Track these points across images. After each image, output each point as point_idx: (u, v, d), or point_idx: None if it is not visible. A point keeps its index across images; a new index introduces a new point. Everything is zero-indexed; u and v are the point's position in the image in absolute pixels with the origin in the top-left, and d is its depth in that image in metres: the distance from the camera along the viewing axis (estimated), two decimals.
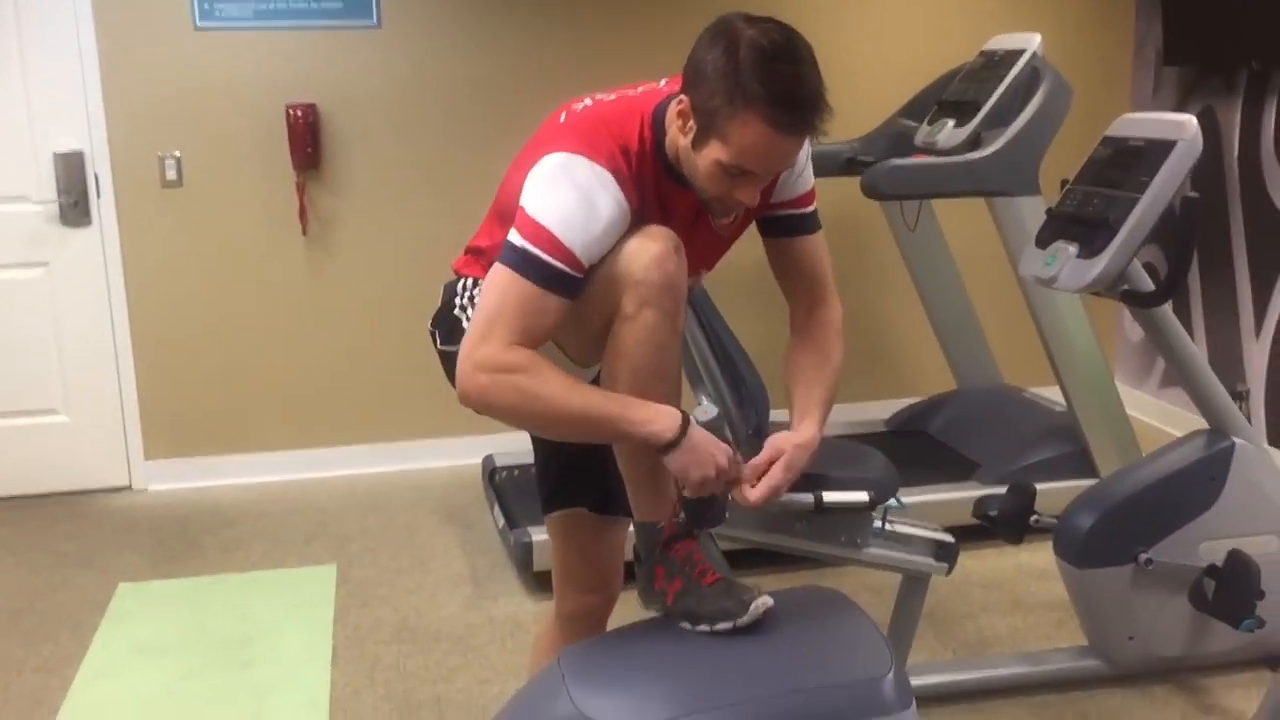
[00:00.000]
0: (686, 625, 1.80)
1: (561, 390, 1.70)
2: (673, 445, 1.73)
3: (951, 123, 3.72)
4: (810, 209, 2.04)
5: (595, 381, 1.87)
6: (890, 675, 1.65)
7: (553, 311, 1.75)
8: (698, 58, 1.72)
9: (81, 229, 4.30)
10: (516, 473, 4.04)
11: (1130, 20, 5.00)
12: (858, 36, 4.67)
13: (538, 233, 1.74)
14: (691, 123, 1.75)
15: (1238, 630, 2.73)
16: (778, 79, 1.66)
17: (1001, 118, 3.63)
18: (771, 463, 1.86)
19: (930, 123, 3.84)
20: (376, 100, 4.43)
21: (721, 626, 1.76)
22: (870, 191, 3.43)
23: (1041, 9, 4.85)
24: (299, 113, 4.31)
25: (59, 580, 3.72)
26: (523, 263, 1.74)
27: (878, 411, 4.70)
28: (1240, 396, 4.47)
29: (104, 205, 4.30)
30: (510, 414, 1.74)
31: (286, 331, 4.52)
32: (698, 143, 1.75)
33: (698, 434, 1.75)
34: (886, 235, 4.43)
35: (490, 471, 4.11)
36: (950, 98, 3.84)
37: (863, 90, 4.48)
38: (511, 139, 4.45)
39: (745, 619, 1.75)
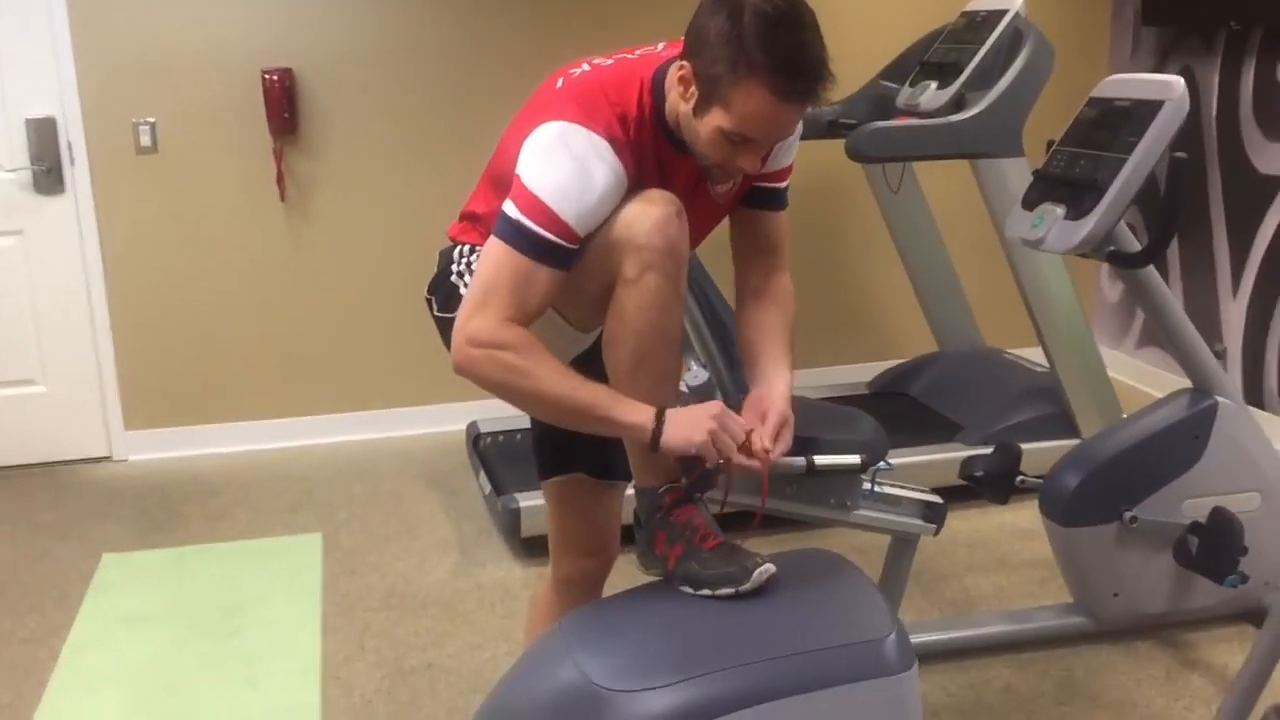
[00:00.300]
0: (688, 589, 1.81)
1: (551, 375, 1.73)
2: (657, 435, 1.74)
3: (934, 85, 3.71)
4: (785, 184, 2.06)
5: (596, 346, 1.87)
6: (892, 636, 1.67)
7: (547, 283, 1.76)
8: (700, 24, 1.71)
9: (55, 197, 4.24)
10: (501, 438, 4.04)
11: None
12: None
13: (533, 205, 1.74)
14: (693, 89, 1.74)
15: (1222, 586, 2.77)
16: (781, 46, 1.65)
17: (984, 79, 3.63)
18: (775, 419, 1.87)
19: (912, 84, 3.83)
20: (354, 64, 4.38)
21: (724, 591, 1.77)
22: (854, 154, 3.42)
23: None
24: (275, 77, 4.25)
25: (41, 551, 3.70)
26: (517, 235, 1.74)
27: (859, 374, 4.72)
28: (1218, 355, 4.51)
29: (78, 172, 4.24)
30: (498, 390, 1.76)
31: (266, 299, 4.48)
32: (699, 109, 1.74)
33: (678, 414, 1.75)
34: (868, 197, 4.43)
35: (475, 438, 4.10)
36: (932, 59, 3.83)
37: (844, 52, 4.40)
38: (492, 102, 4.47)
39: (748, 585, 1.76)
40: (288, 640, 3.13)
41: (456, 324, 1.77)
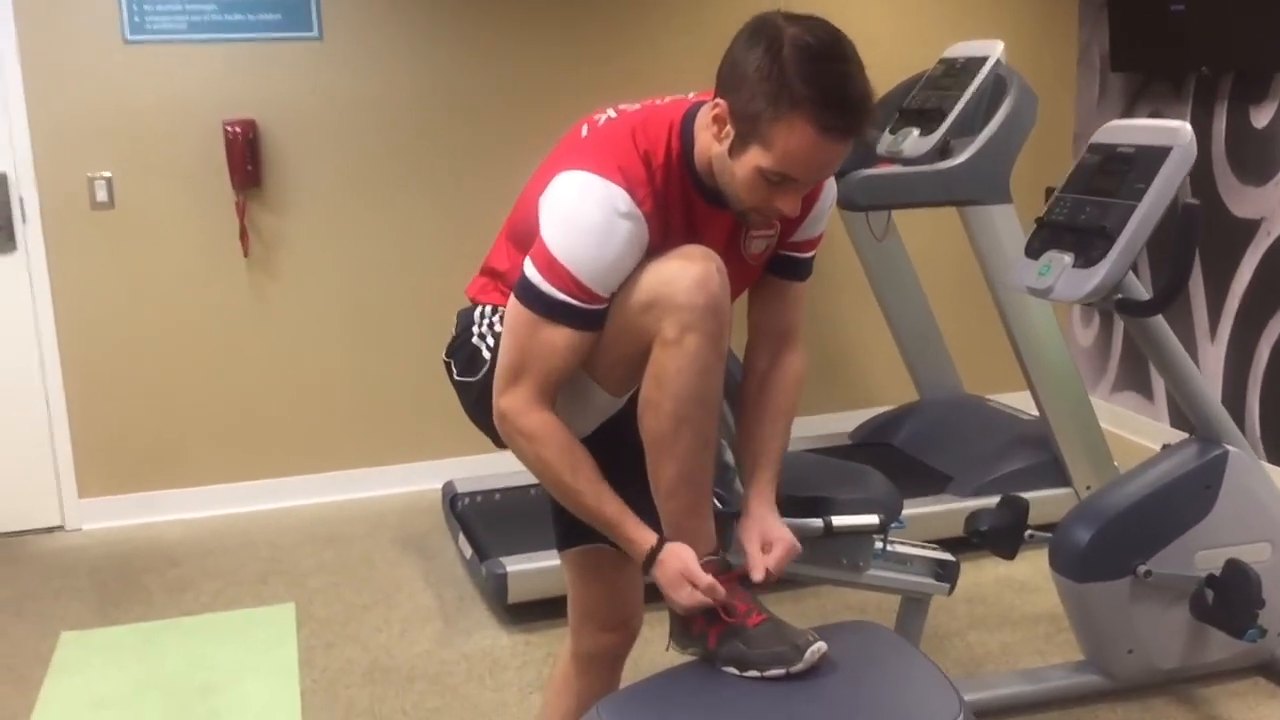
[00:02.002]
0: (734, 670, 1.70)
1: (567, 476, 1.74)
2: (647, 568, 1.76)
3: (916, 131, 3.68)
4: (811, 255, 1.98)
5: (633, 402, 1.76)
6: (961, 717, 1.56)
7: (574, 345, 1.71)
8: (736, 58, 1.63)
9: (6, 255, 4.05)
10: (480, 499, 3.90)
11: (1074, 27, 5.03)
12: None
13: (552, 268, 1.67)
14: (729, 128, 1.65)
15: (1241, 640, 2.71)
16: (825, 79, 1.57)
17: (966, 126, 3.61)
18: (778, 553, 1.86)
19: (893, 131, 3.80)
20: (319, 115, 4.26)
21: (774, 672, 1.66)
22: (847, 203, 3.37)
23: (986, 16, 4.86)
24: (237, 129, 4.11)
25: None
26: (538, 301, 1.69)
27: (840, 423, 4.65)
28: None
29: (30, 230, 4.06)
30: (525, 466, 1.79)
31: (228, 358, 4.31)
32: (736, 149, 1.65)
33: (667, 566, 1.73)
34: (846, 243, 4.38)
35: (451, 498, 3.95)
36: (913, 105, 3.81)
37: None
38: (461, 151, 4.36)
39: (800, 665, 1.65)
40: None
41: (494, 392, 1.76)
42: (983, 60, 3.69)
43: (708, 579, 1.71)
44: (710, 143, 1.70)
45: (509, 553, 3.37)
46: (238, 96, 4.16)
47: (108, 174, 4.09)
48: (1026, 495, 3.55)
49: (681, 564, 1.72)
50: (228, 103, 4.15)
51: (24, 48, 3.95)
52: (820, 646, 1.66)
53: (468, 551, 3.59)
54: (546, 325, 1.68)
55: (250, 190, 4.20)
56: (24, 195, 4.03)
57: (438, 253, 4.31)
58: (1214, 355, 4.41)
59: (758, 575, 1.78)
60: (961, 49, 3.83)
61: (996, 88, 3.64)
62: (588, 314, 1.68)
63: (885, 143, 3.79)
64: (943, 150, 3.62)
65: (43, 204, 4.05)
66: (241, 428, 4.36)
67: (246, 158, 4.14)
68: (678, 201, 1.74)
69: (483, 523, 3.72)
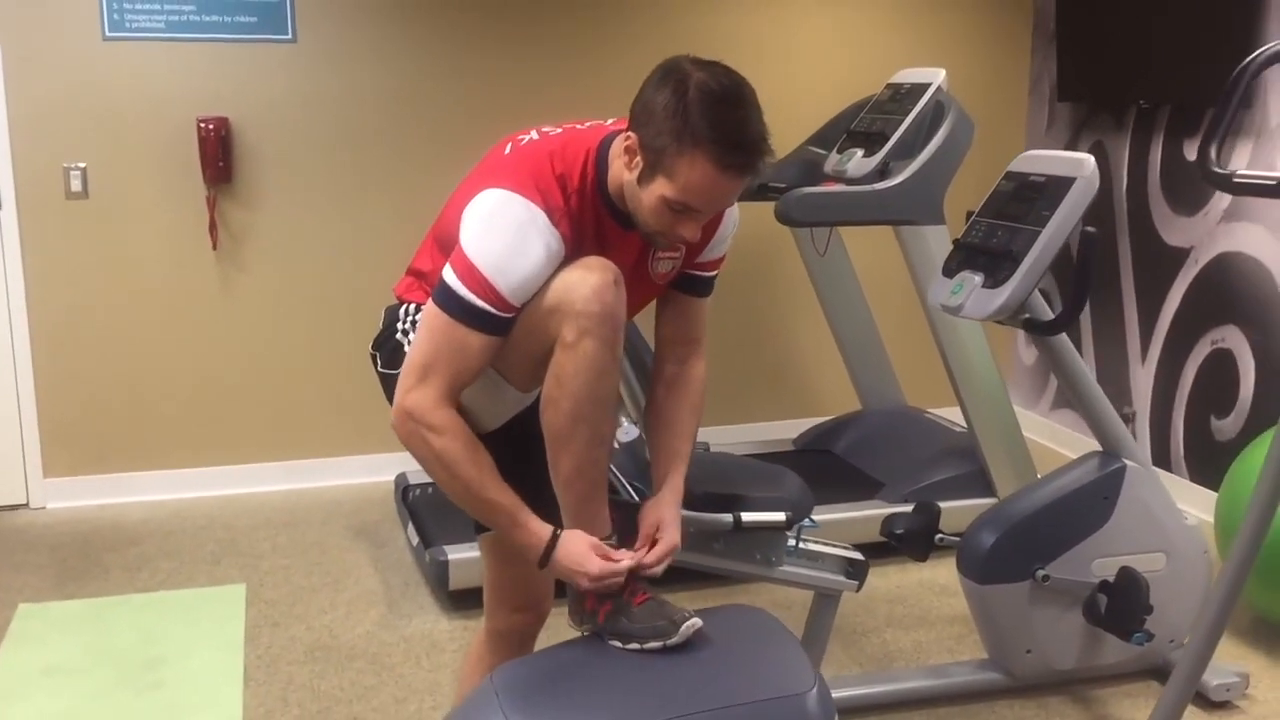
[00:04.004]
0: (617, 644, 1.86)
1: (468, 469, 1.85)
2: (544, 563, 1.89)
3: (860, 152, 3.84)
4: (714, 274, 2.15)
5: (537, 404, 1.91)
6: (814, 691, 1.72)
7: (482, 350, 1.84)
8: (647, 97, 1.79)
9: None
10: (430, 490, 4.05)
11: (1027, 57, 5.21)
12: (768, 66, 4.80)
13: (470, 275, 1.81)
14: (638, 159, 1.81)
15: (1129, 643, 2.88)
16: (725, 122, 1.74)
17: (907, 149, 3.77)
18: (657, 532, 1.99)
19: (840, 151, 3.96)
20: (290, 115, 4.41)
21: (652, 645, 1.82)
22: (783, 219, 3.53)
23: (944, 44, 5.03)
24: (210, 126, 4.27)
25: None
26: (455, 305, 1.82)
27: (784, 431, 4.82)
28: (1127, 419, 4.69)
29: (4, 217, 4.20)
30: (423, 465, 1.89)
31: (194, 347, 4.46)
32: (644, 179, 1.81)
33: (562, 553, 1.87)
34: (795, 258, 4.55)
35: (403, 489, 4.11)
36: (859, 128, 3.97)
37: (774, 118, 4.56)
38: (425, 155, 4.52)
39: (675, 639, 1.81)
40: (209, 693, 3.10)
41: (397, 390, 1.86)
42: (925, 86, 3.85)
43: (599, 564, 1.87)
44: (622, 170, 1.86)
45: (452, 541, 3.52)
46: (212, 94, 4.31)
47: (83, 165, 4.24)
48: (953, 504, 3.74)
49: (583, 550, 1.87)
50: (202, 100, 4.30)
51: (5, 40, 4.10)
52: (695, 623, 1.82)
53: (415, 539, 3.75)
54: (461, 329, 1.82)
55: (221, 185, 4.35)
56: (0, 183, 4.17)
57: (396, 250, 4.38)
58: (1144, 376, 4.59)
59: (634, 562, 1.91)
60: (907, 75, 4.00)
61: (937, 113, 3.81)
62: (500, 321, 1.83)
63: (831, 162, 3.95)
64: (883, 171, 3.78)
65: (18, 192, 4.20)
66: (205, 415, 4.51)
67: (218, 154, 4.30)
68: (590, 223, 1.90)
69: (431, 513, 3.88)
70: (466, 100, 4.55)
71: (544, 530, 1.88)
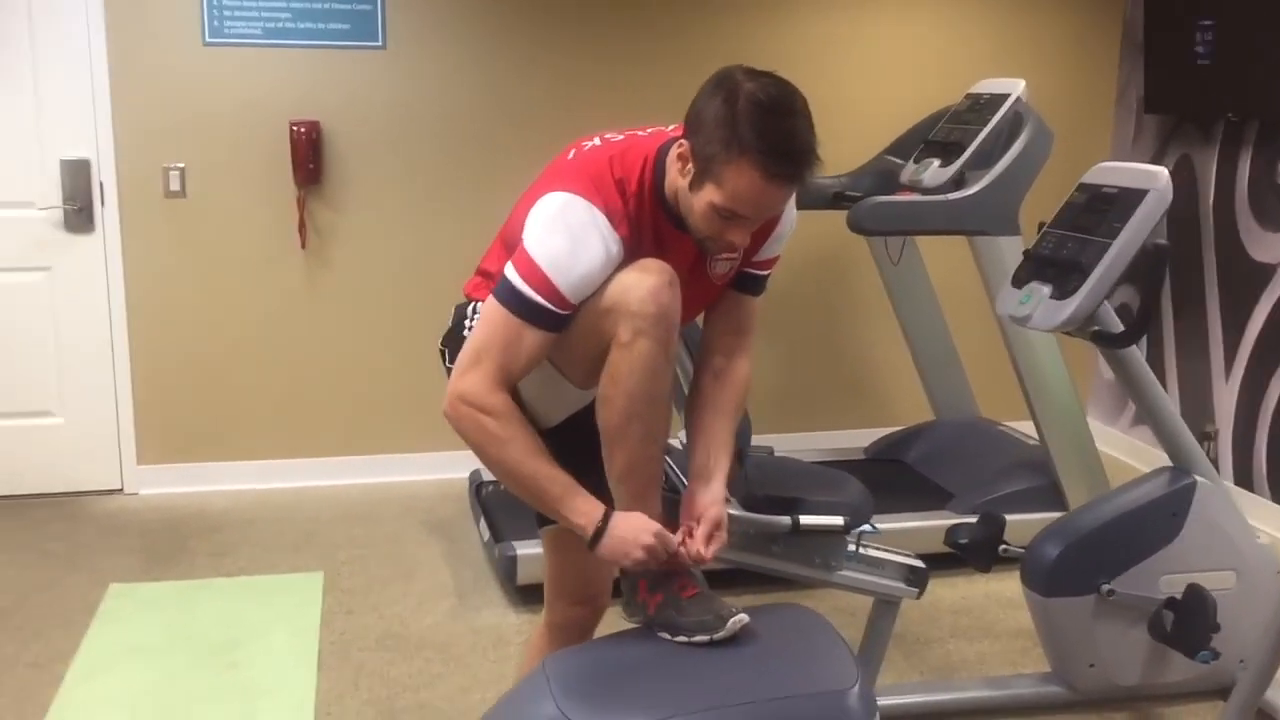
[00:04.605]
0: (666, 636, 1.91)
1: (522, 451, 1.91)
2: (595, 542, 1.91)
3: (937, 162, 3.84)
4: (768, 272, 2.18)
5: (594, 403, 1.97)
6: (856, 688, 1.75)
7: (536, 344, 1.90)
8: (699, 105, 1.85)
9: (85, 235, 4.40)
10: (503, 487, 4.11)
11: (1114, 69, 5.15)
12: (849, 75, 4.81)
13: (531, 271, 1.88)
14: (690, 165, 1.86)
15: (1194, 661, 2.84)
16: (772, 131, 1.78)
17: (985, 159, 3.75)
18: (707, 525, 2.01)
19: (916, 161, 3.96)
20: (378, 120, 4.55)
21: (699, 638, 1.87)
22: (855, 227, 3.55)
23: (1029, 55, 5.00)
24: (302, 129, 4.42)
25: (49, 580, 3.79)
26: (514, 299, 1.89)
27: (857, 439, 4.82)
28: (1209, 437, 4.61)
29: (108, 213, 4.39)
30: (474, 448, 1.95)
31: (281, 343, 4.61)
32: (694, 185, 1.87)
33: (618, 527, 1.91)
34: (871, 268, 4.56)
35: (477, 486, 4.20)
36: (936, 138, 3.96)
37: (853, 127, 4.61)
38: (508, 162, 4.62)
39: (723, 633, 1.85)
40: (284, 675, 3.21)
41: (452, 376, 1.94)
42: (1005, 97, 3.84)
43: (653, 538, 1.91)
44: (676, 176, 1.92)
45: (522, 537, 3.60)
46: (304, 99, 4.46)
47: (181, 165, 4.42)
48: (1024, 517, 3.72)
49: (638, 524, 1.91)
50: (295, 104, 4.45)
51: (112, 47, 4.29)
52: (742, 618, 1.86)
53: (486, 534, 3.83)
54: (517, 322, 1.88)
55: (311, 186, 4.50)
56: (104, 181, 4.37)
57: (474, 253, 4.48)
58: (1228, 394, 4.50)
59: (689, 553, 1.95)
60: (987, 85, 3.99)
61: (1015, 124, 3.79)
62: (555, 317, 1.89)
63: (908, 172, 3.96)
64: (958, 181, 3.77)
65: (120, 190, 4.39)
66: (290, 409, 4.66)
67: (309, 156, 4.44)
68: (649, 226, 1.96)
69: (502, 509, 3.96)
70: (548, 106, 4.64)
71: (597, 509, 1.92)
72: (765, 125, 1.78)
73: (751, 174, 1.80)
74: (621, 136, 2.02)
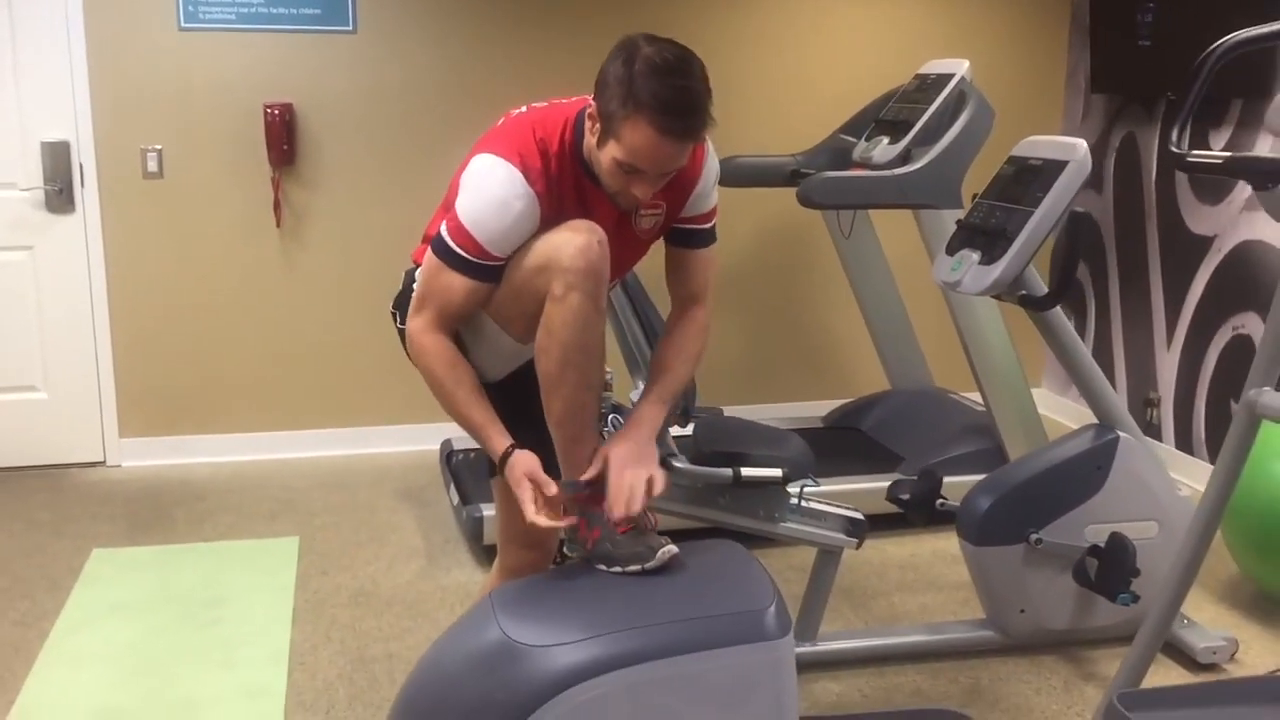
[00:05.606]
0: (602, 567, 2.08)
1: (451, 385, 2.13)
2: (497, 471, 2.14)
3: (886, 140, 4.00)
4: (708, 225, 2.34)
5: None
6: (772, 607, 1.92)
7: (466, 290, 2.11)
8: (604, 68, 2.03)
9: (65, 215, 4.54)
10: (472, 455, 4.30)
11: (1064, 50, 5.32)
12: (807, 57, 4.97)
13: (458, 228, 2.09)
14: (597, 125, 2.03)
15: (1114, 603, 3.03)
16: (665, 90, 1.95)
17: (931, 136, 3.92)
18: (599, 476, 2.13)
19: (868, 139, 4.12)
20: (350, 101, 4.69)
21: (632, 568, 2.04)
22: (804, 200, 3.71)
23: (982, 38, 5.17)
24: (276, 111, 4.56)
25: (35, 546, 3.95)
26: (445, 253, 2.11)
27: (816, 409, 4.99)
28: (1152, 404, 4.80)
29: (87, 194, 4.53)
30: (422, 375, 2.18)
31: (258, 319, 4.77)
32: (600, 142, 2.05)
33: (513, 463, 2.10)
34: (829, 243, 4.72)
35: (448, 454, 4.37)
36: (886, 117, 4.13)
37: (810, 108, 4.78)
38: (473, 137, 4.75)
39: (653, 563, 2.03)
40: (260, 630, 3.37)
41: (408, 315, 2.17)
42: (950, 77, 4.00)
43: (529, 470, 2.09)
44: (589, 135, 2.09)
45: (489, 500, 3.75)
46: (278, 81, 4.61)
47: (159, 146, 4.56)
48: (969, 478, 3.89)
49: (527, 467, 2.09)
50: (269, 87, 4.60)
51: (90, 31, 4.43)
52: (671, 549, 2.03)
53: (455, 499, 4.00)
54: (447, 271, 2.10)
55: (285, 167, 4.65)
56: (84, 163, 4.51)
57: None
58: (1169, 362, 4.69)
59: (617, 514, 2.07)
60: (934, 66, 4.15)
61: (959, 102, 3.96)
62: (478, 267, 2.09)
63: (860, 150, 4.12)
64: (905, 158, 3.94)
65: (99, 171, 4.53)
66: (267, 382, 4.81)
67: (283, 137, 4.59)
68: (570, 183, 2.13)
69: (472, 475, 4.12)
70: (514, 88, 4.77)
71: (504, 443, 2.12)
72: (658, 84, 1.94)
73: (646, 129, 1.96)
74: (546, 104, 2.20)
